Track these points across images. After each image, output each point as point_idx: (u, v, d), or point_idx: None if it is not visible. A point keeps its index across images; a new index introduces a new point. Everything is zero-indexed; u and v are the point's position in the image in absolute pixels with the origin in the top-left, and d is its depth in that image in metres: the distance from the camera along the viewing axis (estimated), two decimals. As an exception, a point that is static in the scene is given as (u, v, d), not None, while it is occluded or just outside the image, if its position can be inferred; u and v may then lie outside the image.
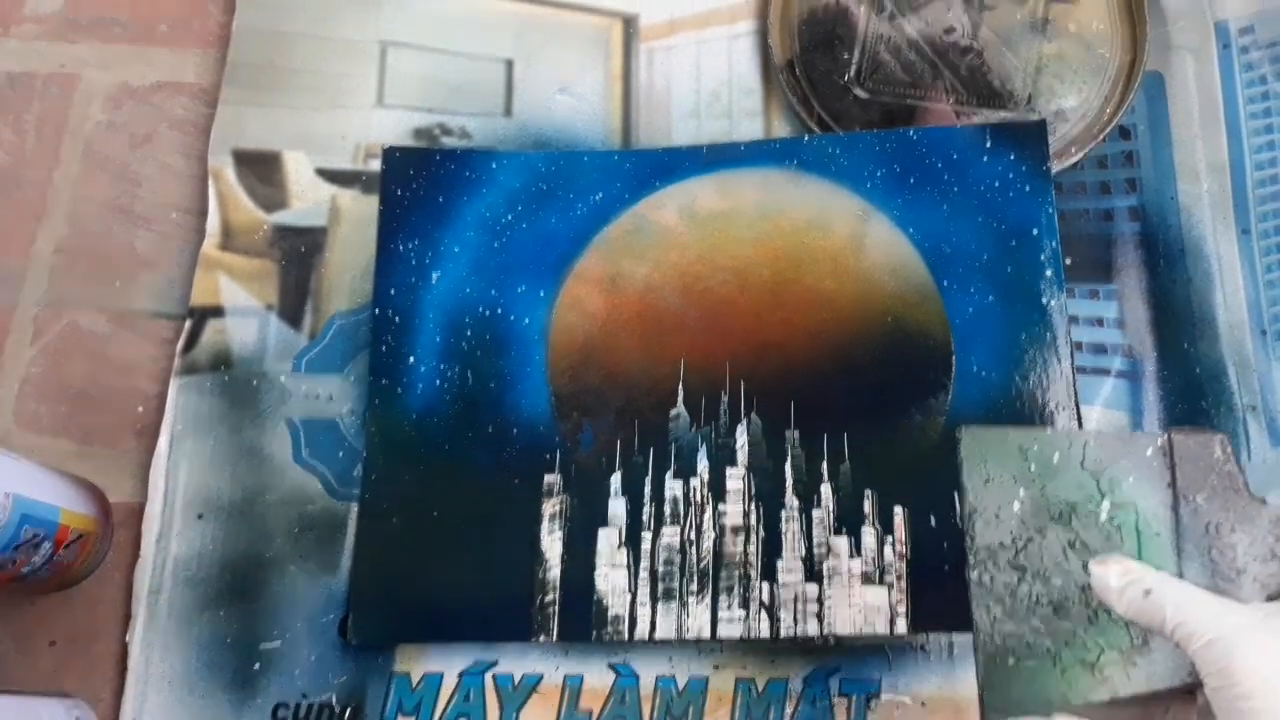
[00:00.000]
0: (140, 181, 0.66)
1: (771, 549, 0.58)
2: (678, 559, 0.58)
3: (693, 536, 0.58)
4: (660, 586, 0.57)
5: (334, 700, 0.56)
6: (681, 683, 0.57)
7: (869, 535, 0.58)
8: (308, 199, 0.65)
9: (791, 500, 0.58)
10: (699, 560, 0.58)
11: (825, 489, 0.59)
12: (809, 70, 0.68)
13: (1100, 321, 0.64)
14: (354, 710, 0.56)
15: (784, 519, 0.58)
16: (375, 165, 0.65)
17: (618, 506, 0.59)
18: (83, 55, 0.68)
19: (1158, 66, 0.68)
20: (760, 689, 0.57)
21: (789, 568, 0.57)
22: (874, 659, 0.57)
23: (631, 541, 0.58)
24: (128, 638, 0.57)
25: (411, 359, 0.61)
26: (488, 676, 0.57)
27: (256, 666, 0.56)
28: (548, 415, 0.60)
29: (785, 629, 0.56)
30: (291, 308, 0.63)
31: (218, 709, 0.56)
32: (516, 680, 0.57)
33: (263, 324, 0.62)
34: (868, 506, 0.58)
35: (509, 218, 0.64)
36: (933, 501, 0.58)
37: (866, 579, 0.57)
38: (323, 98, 0.67)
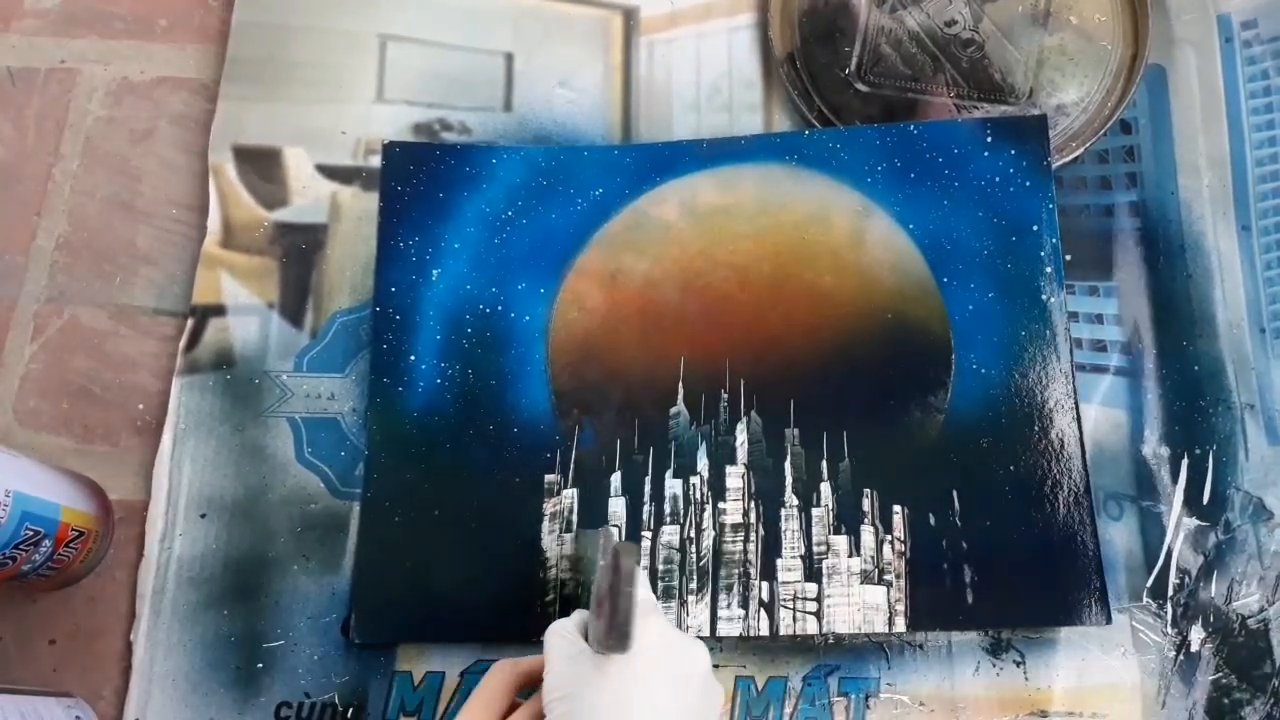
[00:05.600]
0: (141, 177, 0.66)
1: (771, 548, 0.58)
2: (677, 558, 0.58)
3: (692, 535, 0.58)
4: (660, 585, 0.57)
5: (336, 699, 0.56)
6: (682, 681, 0.57)
7: (868, 534, 0.58)
8: (308, 195, 0.65)
9: (791, 499, 0.59)
10: (699, 559, 0.58)
11: (825, 487, 0.59)
12: (810, 63, 0.68)
13: (1100, 318, 0.64)
14: (356, 709, 0.56)
15: (783, 518, 0.58)
16: (375, 161, 0.65)
17: (618, 505, 0.59)
18: (83, 50, 0.68)
19: (1160, 60, 0.68)
20: (760, 687, 0.57)
21: (788, 566, 0.58)
22: (873, 657, 0.58)
23: (632, 540, 0.58)
24: (132, 636, 0.57)
25: (412, 357, 0.61)
26: (489, 675, 0.57)
27: (260, 665, 0.57)
28: (548, 413, 0.60)
29: (784, 627, 0.57)
30: (293, 306, 0.63)
31: (221, 708, 0.56)
32: (518, 679, 0.57)
33: (264, 322, 0.62)
34: (867, 505, 0.58)
35: (509, 213, 0.64)
36: (932, 501, 0.58)
37: (865, 578, 0.57)
38: (322, 92, 0.67)
